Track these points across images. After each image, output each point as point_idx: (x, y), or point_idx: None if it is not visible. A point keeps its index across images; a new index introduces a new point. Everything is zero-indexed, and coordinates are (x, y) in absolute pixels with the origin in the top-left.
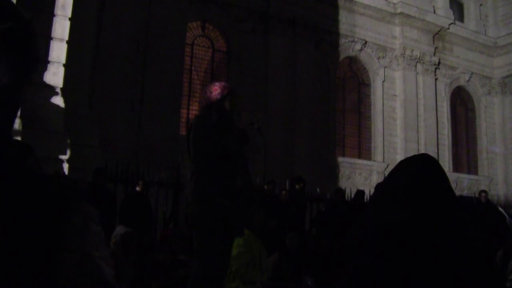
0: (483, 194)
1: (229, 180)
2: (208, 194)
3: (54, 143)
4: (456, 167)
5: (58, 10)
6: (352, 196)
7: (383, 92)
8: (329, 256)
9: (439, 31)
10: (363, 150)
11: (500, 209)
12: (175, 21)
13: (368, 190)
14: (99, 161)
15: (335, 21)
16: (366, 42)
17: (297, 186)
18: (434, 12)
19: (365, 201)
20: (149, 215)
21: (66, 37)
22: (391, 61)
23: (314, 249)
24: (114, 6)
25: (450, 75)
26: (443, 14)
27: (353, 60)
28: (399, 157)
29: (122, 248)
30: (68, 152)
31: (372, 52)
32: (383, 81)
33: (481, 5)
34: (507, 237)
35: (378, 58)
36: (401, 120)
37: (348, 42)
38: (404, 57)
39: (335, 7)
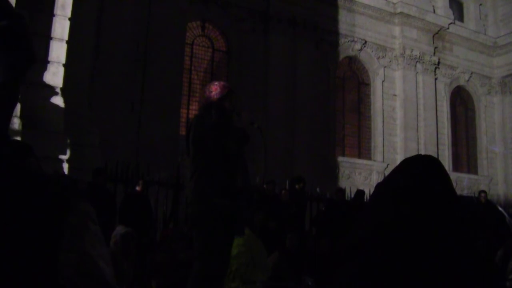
0: (482, 194)
1: (229, 180)
2: (208, 194)
3: (54, 143)
4: (456, 167)
5: (57, 10)
6: (352, 196)
7: (383, 92)
8: (329, 256)
9: (438, 30)
10: (363, 150)
11: (500, 208)
12: (175, 21)
13: (368, 190)
14: (99, 161)
15: (335, 20)
16: (366, 41)
17: (297, 186)
18: (434, 11)
19: (365, 200)
20: (149, 215)
21: (66, 37)
22: (391, 61)
23: (314, 249)
24: (114, 6)
25: (450, 74)
26: (442, 13)
27: (353, 60)
28: (399, 157)
29: (122, 248)
30: (68, 152)
31: (372, 51)
32: (383, 81)
33: (480, 4)
34: (507, 236)
35: (378, 57)
36: (401, 119)
37: (348, 41)
38: (404, 56)
39: (335, 7)
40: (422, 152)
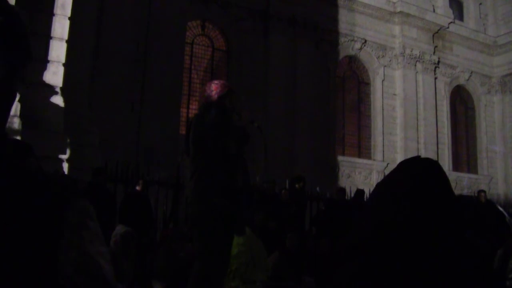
0: (482, 194)
1: (229, 180)
2: (208, 194)
3: (54, 143)
4: (456, 166)
5: (57, 9)
6: (352, 195)
7: (382, 91)
8: (329, 255)
9: (438, 30)
10: (363, 149)
11: (499, 208)
12: (175, 21)
13: (368, 189)
14: (99, 160)
15: (335, 20)
16: (365, 41)
17: (297, 185)
18: (434, 11)
19: (365, 200)
20: (149, 214)
21: (66, 37)
22: (390, 60)
23: (314, 249)
24: (114, 5)
25: (449, 74)
26: (442, 13)
27: (352, 59)
28: (399, 156)
29: (122, 247)
30: (68, 152)
31: (372, 51)
32: (383, 80)
33: (480, 4)
34: (507, 236)
35: (378, 57)
36: (401, 119)
37: (348, 41)
38: (404, 56)
39: (335, 6)
40: (422, 152)
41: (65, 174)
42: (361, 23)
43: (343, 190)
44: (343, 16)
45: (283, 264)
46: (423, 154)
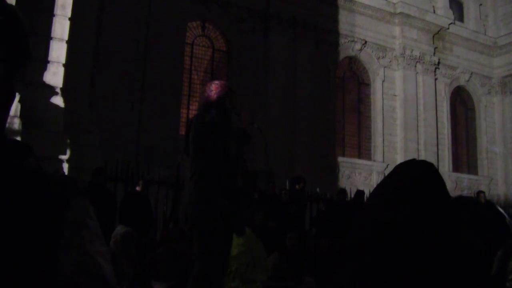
0: (481, 195)
1: (229, 180)
2: (208, 194)
3: (54, 143)
4: (456, 167)
5: (57, 10)
6: (352, 196)
7: (383, 92)
8: (329, 256)
9: (439, 31)
10: (363, 150)
11: (499, 209)
12: (175, 21)
13: (368, 190)
14: (99, 160)
15: (335, 21)
16: (366, 42)
17: (297, 186)
18: (434, 12)
19: (365, 201)
20: (149, 214)
21: (66, 37)
22: (391, 61)
23: (314, 249)
24: (114, 5)
25: (450, 75)
26: (443, 14)
27: (353, 60)
28: (399, 157)
29: (122, 247)
30: (68, 152)
31: (372, 52)
32: (383, 81)
33: (481, 5)
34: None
35: (378, 58)
36: (401, 120)
37: (348, 42)
38: (404, 57)
39: (335, 7)
40: (422, 152)
41: (65, 174)
42: (361, 24)
43: (343, 191)
44: (343, 17)
45: (283, 264)
46: (423, 155)
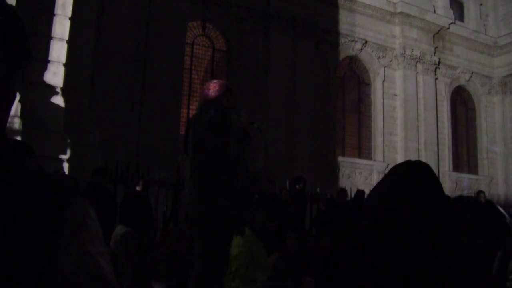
0: (481, 194)
1: (229, 180)
2: (208, 194)
3: (54, 143)
4: (456, 167)
5: (58, 10)
6: (352, 196)
7: (383, 92)
8: (329, 256)
9: (439, 30)
10: (363, 150)
11: (500, 209)
12: (175, 21)
13: (368, 190)
14: (99, 161)
15: (335, 20)
16: (366, 41)
17: (297, 186)
18: (434, 11)
19: (364, 201)
20: (149, 215)
21: (66, 37)
22: (391, 61)
23: (314, 249)
24: (114, 5)
25: (450, 74)
26: (443, 13)
27: (353, 60)
28: (399, 157)
29: (122, 248)
30: (68, 152)
31: (372, 51)
32: (383, 81)
33: (481, 4)
34: (507, 237)
35: (378, 57)
36: (401, 119)
37: (348, 41)
38: (404, 56)
39: (335, 7)
40: (423, 152)
41: (65, 174)
42: (361, 24)
43: (344, 191)
44: (344, 17)
45: (283, 264)
46: (423, 155)
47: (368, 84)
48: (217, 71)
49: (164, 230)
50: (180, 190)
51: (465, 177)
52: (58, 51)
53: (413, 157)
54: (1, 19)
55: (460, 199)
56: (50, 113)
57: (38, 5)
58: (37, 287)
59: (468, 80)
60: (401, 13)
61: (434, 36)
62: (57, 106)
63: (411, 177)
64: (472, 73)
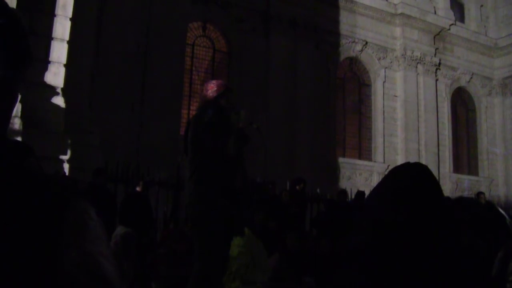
0: (481, 196)
1: (228, 180)
2: (208, 194)
3: (55, 143)
4: (457, 168)
5: (58, 10)
6: (353, 196)
7: (383, 93)
8: (329, 256)
9: (439, 31)
10: (363, 151)
11: (500, 210)
12: (175, 22)
13: (369, 191)
14: (100, 161)
15: (336, 21)
16: (366, 42)
17: (297, 187)
18: (435, 12)
19: (364, 202)
20: (149, 215)
21: (67, 37)
22: (391, 62)
23: (314, 249)
24: (115, 6)
25: (450, 75)
26: (443, 14)
27: (353, 61)
28: (400, 158)
29: (122, 248)
30: (69, 152)
31: (373, 52)
32: (384, 82)
33: (481, 6)
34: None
35: (379, 58)
36: (402, 120)
37: (349, 42)
38: (405, 57)
39: (335, 8)
40: (423, 153)
41: (66, 175)
42: (362, 25)
43: (344, 192)
44: (344, 18)
45: (283, 265)
46: (424, 156)
47: (368, 85)
48: (218, 71)
49: (164, 230)
50: (180, 191)
51: (466, 178)
52: (59, 51)
53: (414, 158)
54: (2, 21)
55: (461, 200)
56: (50, 113)
57: (38, 5)
58: (37, 287)
59: (469, 81)
60: (401, 14)
61: (434, 37)
62: (57, 106)
63: (411, 178)
64: (472, 74)
